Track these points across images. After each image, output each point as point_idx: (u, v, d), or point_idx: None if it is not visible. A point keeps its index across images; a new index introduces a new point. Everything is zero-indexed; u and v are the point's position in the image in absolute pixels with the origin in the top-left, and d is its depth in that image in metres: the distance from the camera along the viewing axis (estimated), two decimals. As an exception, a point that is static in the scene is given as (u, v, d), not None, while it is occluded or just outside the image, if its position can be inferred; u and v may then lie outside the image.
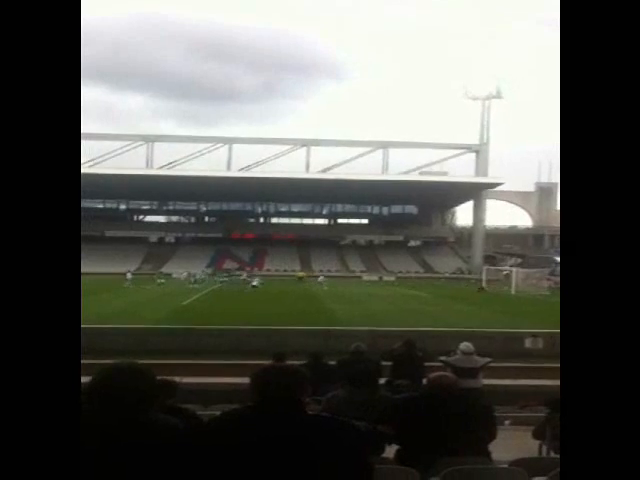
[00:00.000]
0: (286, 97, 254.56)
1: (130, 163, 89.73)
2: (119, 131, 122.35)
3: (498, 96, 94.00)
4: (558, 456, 5.63)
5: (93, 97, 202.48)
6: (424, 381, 6.82)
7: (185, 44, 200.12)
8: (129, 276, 60.98)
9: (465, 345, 10.49)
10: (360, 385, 6.43)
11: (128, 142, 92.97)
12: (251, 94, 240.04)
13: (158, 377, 3.17)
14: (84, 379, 2.83)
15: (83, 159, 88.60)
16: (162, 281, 61.25)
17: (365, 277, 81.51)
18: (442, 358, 10.52)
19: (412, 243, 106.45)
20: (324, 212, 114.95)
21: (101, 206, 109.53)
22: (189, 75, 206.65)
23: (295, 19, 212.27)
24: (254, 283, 57.66)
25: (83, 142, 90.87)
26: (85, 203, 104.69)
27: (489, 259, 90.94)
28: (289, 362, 6.43)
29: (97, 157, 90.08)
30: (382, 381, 7.77)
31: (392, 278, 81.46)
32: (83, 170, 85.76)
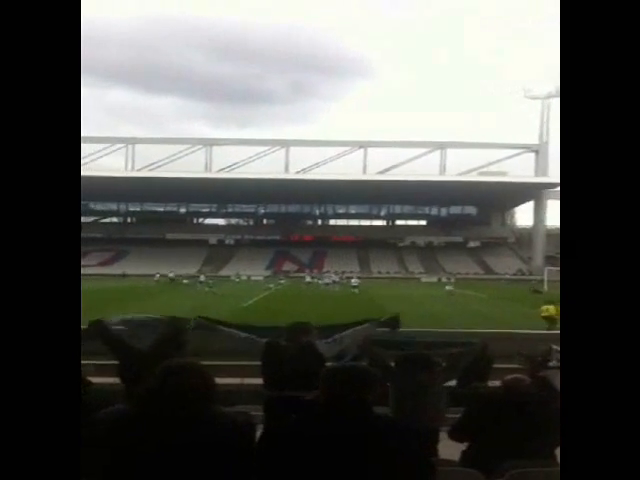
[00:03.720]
0: (317, 97, 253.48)
1: (189, 166, 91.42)
2: (151, 133, 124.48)
3: (558, 95, 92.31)
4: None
5: (121, 99, 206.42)
6: (495, 383, 6.82)
7: (209, 45, 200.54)
8: (173, 275, 62.88)
9: None
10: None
11: (187, 145, 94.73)
12: (280, 95, 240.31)
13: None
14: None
15: (143, 163, 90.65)
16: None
17: (424, 279, 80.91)
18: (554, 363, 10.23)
19: (471, 244, 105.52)
20: (382, 213, 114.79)
21: (162, 209, 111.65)
22: (215, 77, 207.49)
23: (320, 17, 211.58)
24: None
25: (143, 146, 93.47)
26: (146, 206, 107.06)
27: (551, 260, 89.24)
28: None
29: (157, 161, 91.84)
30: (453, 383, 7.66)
31: (452, 280, 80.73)
32: (144, 174, 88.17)
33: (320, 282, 65.17)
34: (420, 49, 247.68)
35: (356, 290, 54.12)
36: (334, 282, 63.32)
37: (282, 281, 64.82)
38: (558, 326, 22.40)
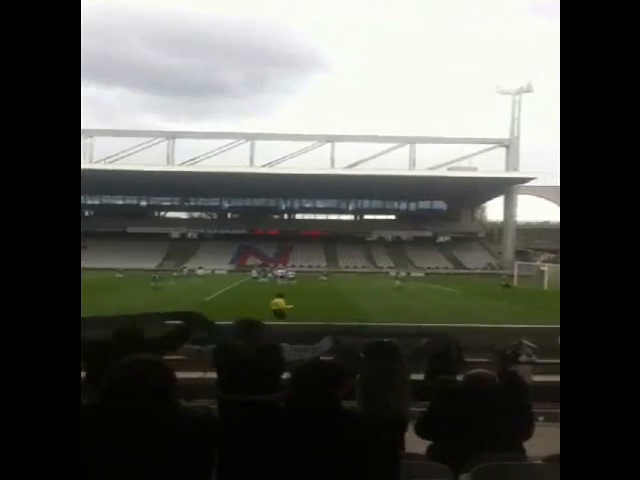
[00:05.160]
0: (273, 90, 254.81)
1: (151, 159, 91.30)
2: (103, 125, 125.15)
3: (529, 90, 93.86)
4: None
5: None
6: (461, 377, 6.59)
7: (160, 36, 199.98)
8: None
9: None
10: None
11: (149, 138, 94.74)
12: (235, 88, 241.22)
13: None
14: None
15: (101, 156, 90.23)
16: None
17: (392, 273, 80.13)
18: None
19: (441, 239, 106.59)
20: (350, 208, 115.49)
21: (121, 202, 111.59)
22: (166, 68, 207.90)
23: (278, 11, 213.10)
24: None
25: (101, 139, 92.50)
26: (105, 200, 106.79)
27: (521, 255, 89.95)
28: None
29: (116, 154, 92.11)
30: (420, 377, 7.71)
31: (421, 274, 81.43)
32: (102, 167, 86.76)
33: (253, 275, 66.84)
34: (387, 43, 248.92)
35: (294, 282, 59.16)
36: (277, 277, 64.05)
37: (265, 280, 62.21)
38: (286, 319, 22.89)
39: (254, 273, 67.85)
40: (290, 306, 25.19)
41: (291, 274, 64.99)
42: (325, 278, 66.73)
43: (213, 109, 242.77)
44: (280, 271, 68.52)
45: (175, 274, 67.81)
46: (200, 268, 72.21)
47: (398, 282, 54.69)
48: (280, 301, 25.44)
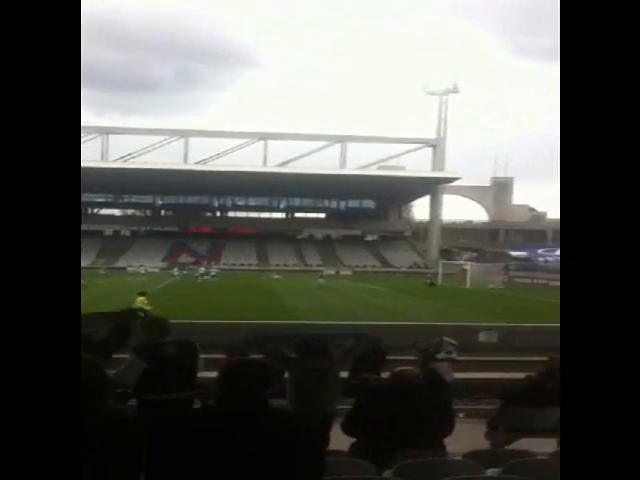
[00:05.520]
0: (204, 86, 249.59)
1: (84, 155, 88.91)
2: None
3: (455, 91, 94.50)
4: (511, 448, 5.99)
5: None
6: (385, 375, 6.97)
7: (96, 31, 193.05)
8: None
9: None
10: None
11: (82, 134, 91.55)
12: (165, 83, 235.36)
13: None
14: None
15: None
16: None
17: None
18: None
19: (369, 237, 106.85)
20: (281, 206, 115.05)
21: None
22: (95, 63, 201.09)
23: (207, 6, 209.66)
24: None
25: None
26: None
27: (445, 253, 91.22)
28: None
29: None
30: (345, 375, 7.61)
31: (349, 272, 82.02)
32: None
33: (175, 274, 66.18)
34: (318, 42, 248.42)
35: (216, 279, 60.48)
36: (202, 274, 63.99)
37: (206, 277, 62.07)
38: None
39: (175, 272, 67.03)
40: (150, 307, 22.50)
41: (213, 272, 65.68)
42: (278, 277, 66.09)
43: (146, 105, 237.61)
44: (211, 270, 68.74)
45: (102, 271, 67.07)
46: (141, 266, 71.67)
47: (322, 280, 55.44)
48: (142, 299, 23.57)
